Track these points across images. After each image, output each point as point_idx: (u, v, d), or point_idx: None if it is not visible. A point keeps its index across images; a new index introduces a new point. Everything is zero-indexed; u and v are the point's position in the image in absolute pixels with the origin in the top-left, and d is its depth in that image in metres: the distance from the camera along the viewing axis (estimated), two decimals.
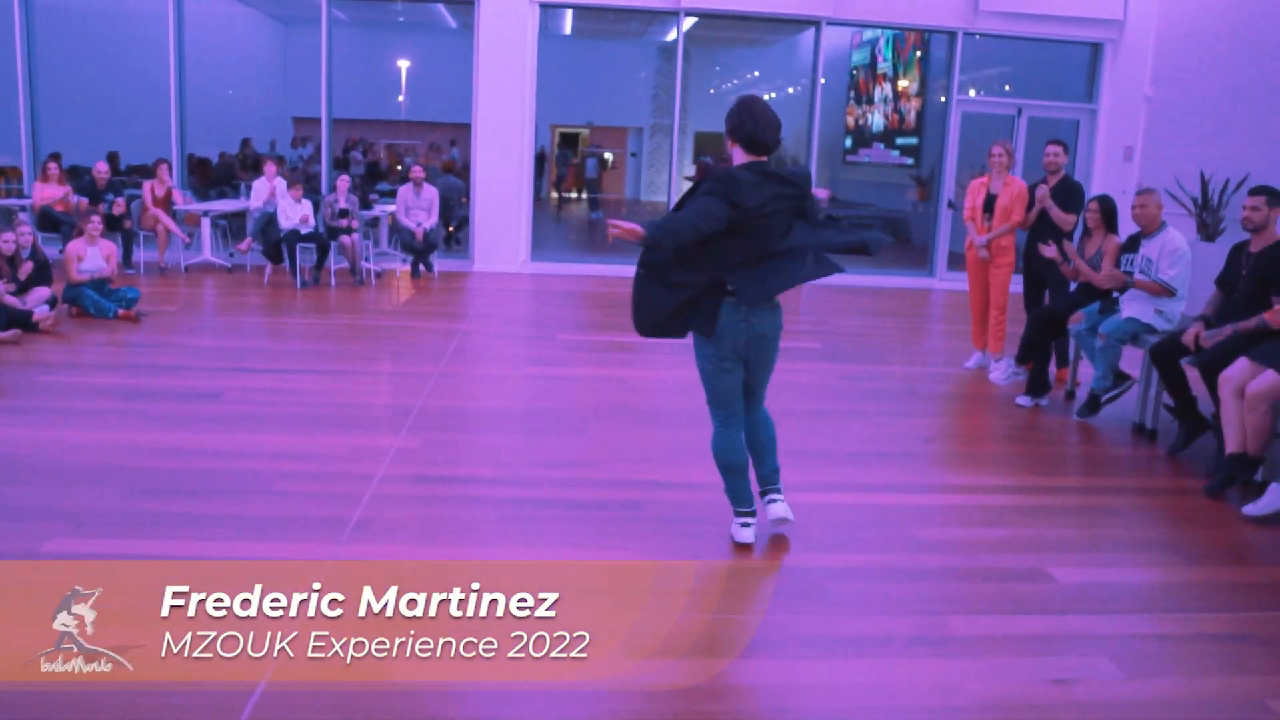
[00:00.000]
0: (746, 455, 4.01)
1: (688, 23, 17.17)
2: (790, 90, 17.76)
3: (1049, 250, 6.89)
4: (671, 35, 18.39)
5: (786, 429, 5.54)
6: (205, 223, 11.03)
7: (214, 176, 14.77)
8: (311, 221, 10.32)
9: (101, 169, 10.64)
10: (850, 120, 18.30)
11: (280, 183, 11.22)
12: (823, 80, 13.48)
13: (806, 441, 5.48)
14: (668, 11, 12.84)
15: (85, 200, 10.53)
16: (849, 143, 18.10)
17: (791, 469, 4.55)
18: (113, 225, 10.51)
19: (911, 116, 16.60)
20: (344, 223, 10.47)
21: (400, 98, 19.56)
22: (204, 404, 5.67)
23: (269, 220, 10.64)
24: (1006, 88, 14.13)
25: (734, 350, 3.77)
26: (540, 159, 18.88)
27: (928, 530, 4.32)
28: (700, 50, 20.64)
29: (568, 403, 6.09)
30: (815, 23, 13.12)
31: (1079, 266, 6.69)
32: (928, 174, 16.53)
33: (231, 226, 12.28)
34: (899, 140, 17.01)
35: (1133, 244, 6.33)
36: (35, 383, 6.05)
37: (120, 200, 10.66)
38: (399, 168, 17.83)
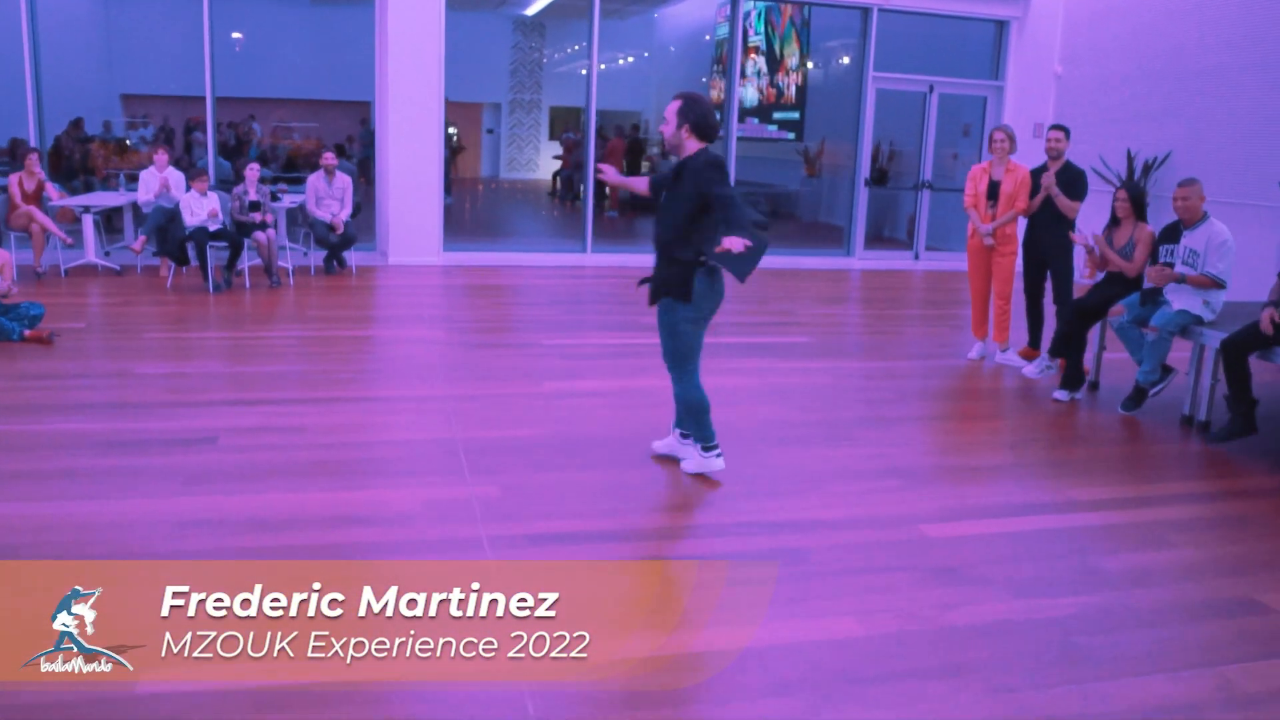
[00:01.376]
0: None
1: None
2: (647, 58, 17.32)
3: (1082, 238, 6.68)
4: (531, 9, 17.60)
5: (865, 444, 5.11)
6: (88, 220, 9.67)
7: (65, 165, 13.13)
8: (220, 216, 9.16)
9: None
10: (715, 94, 17.93)
11: (174, 174, 9.96)
12: (672, 48, 13.06)
13: (899, 457, 5.05)
14: None
15: None
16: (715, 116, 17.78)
17: (920, 495, 4.43)
18: None
19: (791, 90, 16.32)
20: (256, 217, 9.35)
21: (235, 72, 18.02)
22: (199, 453, 4.73)
23: (168, 216, 9.39)
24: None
25: (710, 311, 4.55)
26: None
27: (1109, 559, 3.95)
28: (556, 23, 19.94)
29: (618, 426, 5.44)
30: None
31: (1109, 257, 6.48)
32: (815, 149, 16.41)
33: (104, 221, 10.88)
34: (777, 115, 16.71)
35: (1171, 234, 6.14)
36: None
37: None
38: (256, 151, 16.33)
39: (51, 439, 4.83)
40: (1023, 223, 7.44)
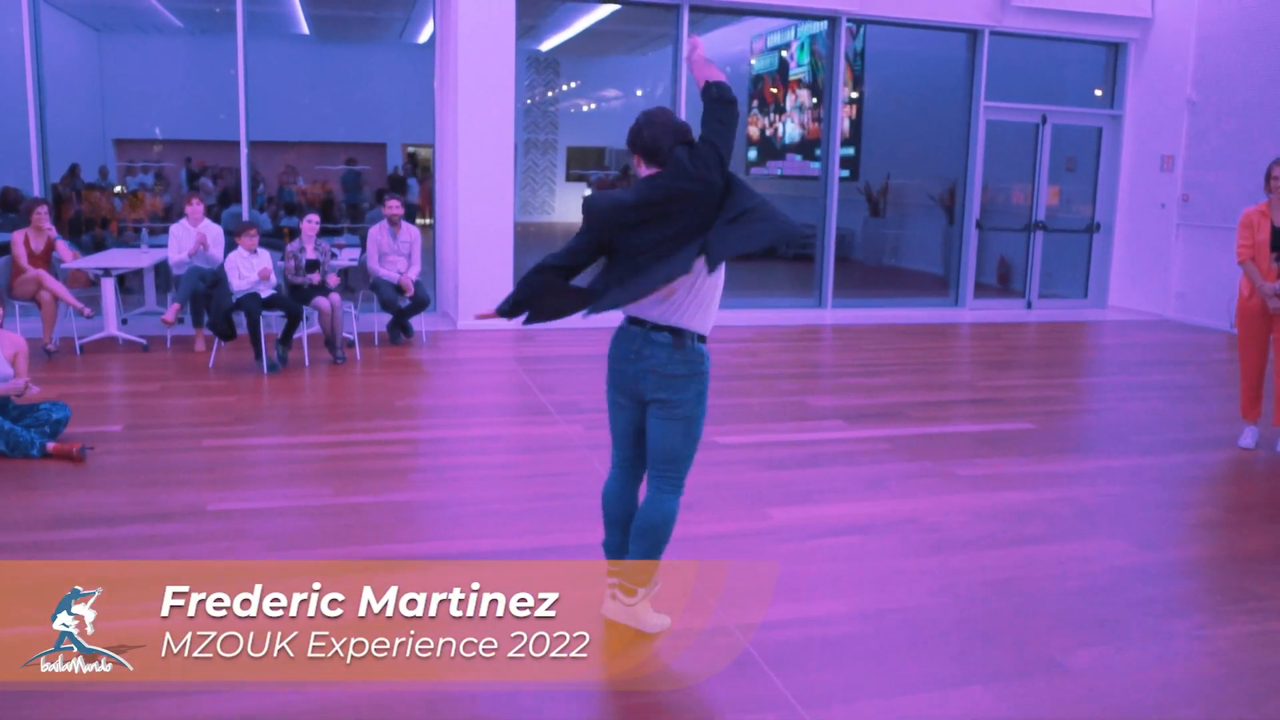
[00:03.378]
0: None
1: (562, 35, 15.02)
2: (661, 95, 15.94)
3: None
4: (546, 45, 16.23)
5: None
6: (107, 286, 7.95)
7: (72, 218, 11.47)
8: (274, 279, 7.48)
9: None
10: (754, 130, 16.44)
11: (212, 228, 8.27)
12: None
13: None
14: (668, 5, 10.57)
15: None
16: (753, 154, 16.33)
17: None
18: None
19: (845, 125, 14.78)
20: (314, 278, 7.68)
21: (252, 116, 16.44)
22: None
23: (207, 280, 7.71)
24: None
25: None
26: (396, 182, 16.13)
27: None
28: (571, 60, 18.57)
29: (940, 590, 3.77)
30: (834, 17, 11.18)
31: None
32: (879, 189, 14.96)
33: (118, 282, 9.19)
34: (817, 152, 15.17)
35: None
36: None
37: None
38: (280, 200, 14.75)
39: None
40: None
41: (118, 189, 13.11)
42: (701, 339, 3.17)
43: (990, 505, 4.76)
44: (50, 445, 5.09)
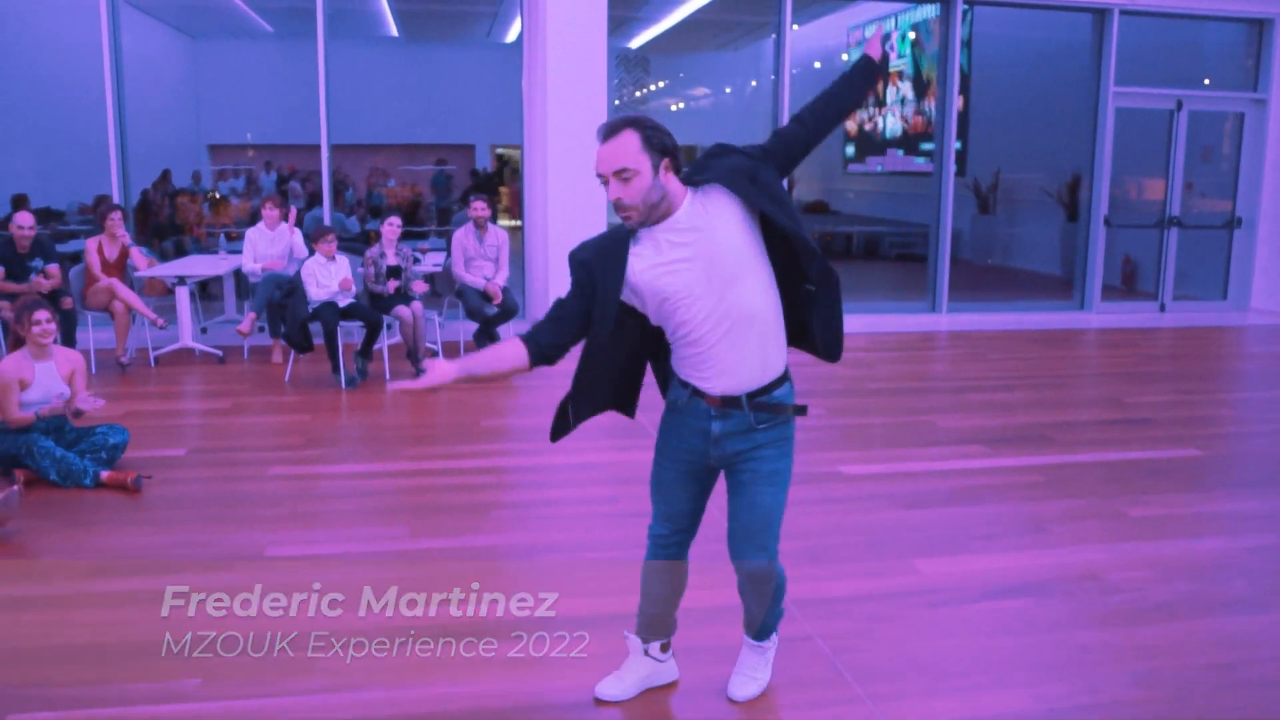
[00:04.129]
0: None
1: (652, 31, 14.39)
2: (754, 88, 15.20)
3: None
4: (635, 41, 15.63)
5: None
6: (183, 294, 7.57)
7: (155, 223, 11.26)
8: (354, 287, 7.00)
9: (24, 221, 7.10)
10: (851, 125, 15.55)
11: (289, 234, 7.85)
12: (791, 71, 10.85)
13: None
14: None
15: (0, 271, 7.01)
16: (851, 150, 15.47)
17: None
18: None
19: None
20: (394, 286, 7.18)
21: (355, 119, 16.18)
22: None
23: (283, 288, 7.27)
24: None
25: None
26: (487, 182, 15.74)
27: None
28: (661, 57, 17.93)
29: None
30: None
31: None
32: (988, 185, 14.02)
33: (197, 289, 8.86)
34: (925, 145, 14.21)
35: None
36: None
37: (53, 267, 7.17)
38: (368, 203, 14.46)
39: None
40: None
41: (211, 193, 12.93)
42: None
43: (1176, 557, 3.99)
44: (104, 474, 4.64)
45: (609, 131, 2.39)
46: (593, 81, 8.81)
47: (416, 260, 7.92)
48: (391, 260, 7.23)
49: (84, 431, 4.88)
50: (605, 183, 2.41)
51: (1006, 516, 4.41)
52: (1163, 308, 11.21)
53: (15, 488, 4.19)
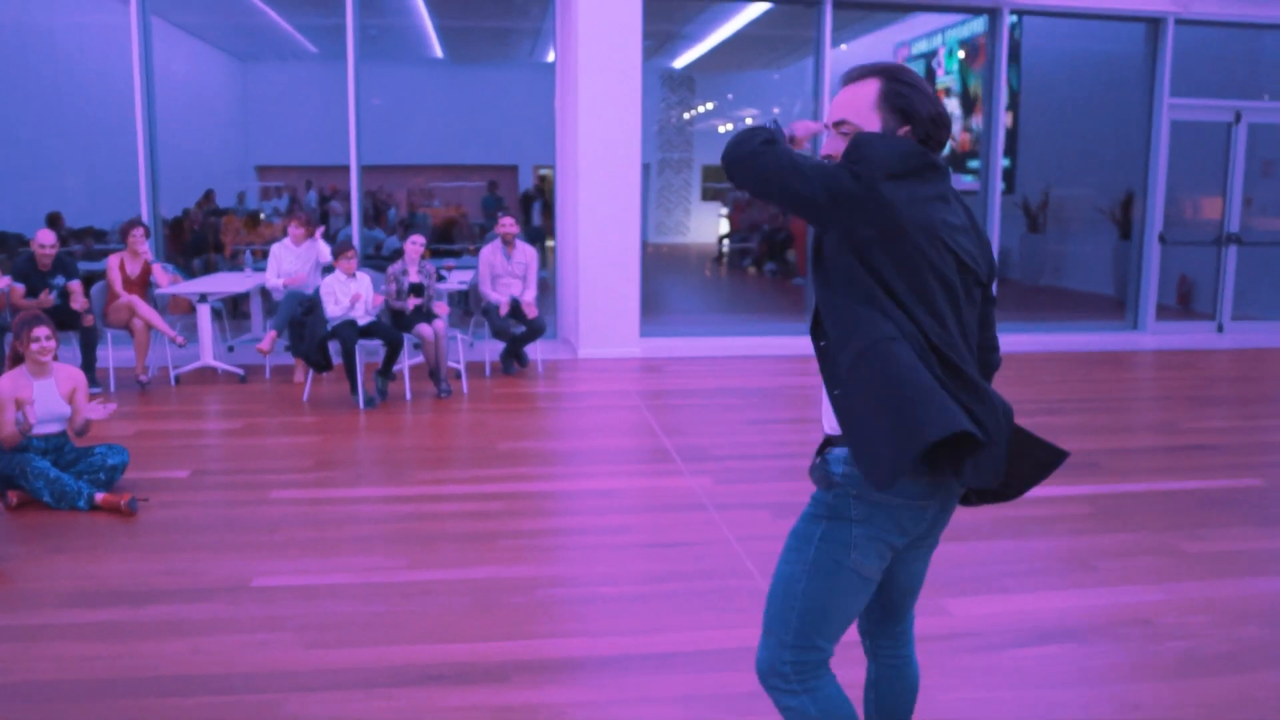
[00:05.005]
0: None
1: (697, 51, 14.19)
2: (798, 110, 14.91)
3: None
4: (679, 62, 15.45)
5: None
6: (204, 312, 7.45)
7: (192, 241, 11.25)
8: (367, 303, 6.82)
9: (45, 240, 7.02)
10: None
11: (316, 248, 7.72)
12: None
13: None
14: (810, 2, 9.60)
15: (21, 288, 6.93)
16: None
17: None
18: (66, 323, 6.91)
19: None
20: (415, 303, 7.00)
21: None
22: None
23: (305, 306, 7.11)
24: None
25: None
26: (529, 203, 15.71)
27: None
28: (706, 77, 17.76)
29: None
30: (995, 9, 10.01)
31: None
32: (1038, 202, 13.62)
33: (226, 307, 8.77)
34: (972, 164, 13.83)
35: None
36: None
37: (75, 284, 7.08)
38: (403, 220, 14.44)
39: None
40: None
41: (251, 213, 12.94)
42: None
43: (1238, 599, 3.63)
44: (99, 497, 4.46)
45: (851, 75, 1.95)
46: (626, 102, 8.60)
47: (441, 278, 7.74)
48: (414, 277, 7.05)
49: (83, 452, 4.72)
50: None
51: (1049, 552, 4.07)
52: (1221, 328, 10.72)
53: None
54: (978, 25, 10.64)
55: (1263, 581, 3.80)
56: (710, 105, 17.84)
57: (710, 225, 17.54)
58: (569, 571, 3.82)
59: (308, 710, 2.77)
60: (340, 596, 3.54)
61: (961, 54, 11.83)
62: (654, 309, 9.59)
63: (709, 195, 18.32)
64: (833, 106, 1.95)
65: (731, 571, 3.82)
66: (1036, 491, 4.85)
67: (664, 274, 15.99)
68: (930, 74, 12.46)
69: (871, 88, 1.89)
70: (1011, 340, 9.86)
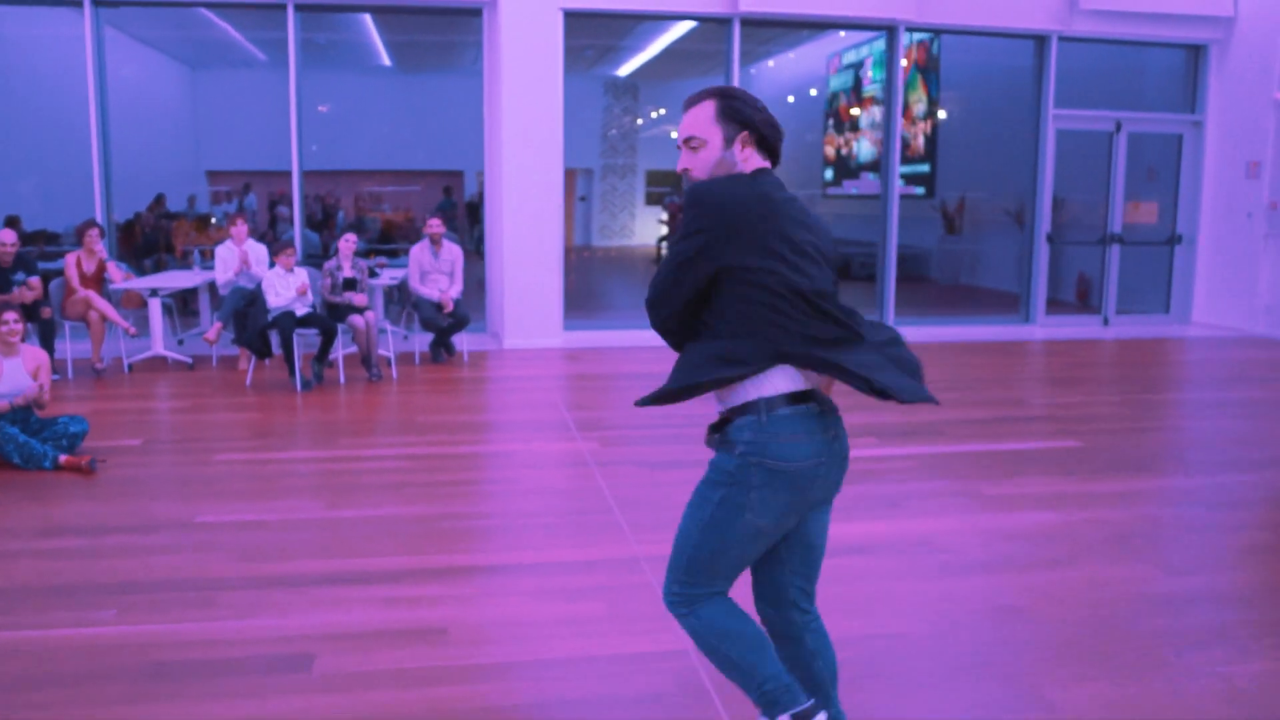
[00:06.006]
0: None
1: (639, 59, 14.87)
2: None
3: None
4: (624, 70, 16.15)
5: None
6: (155, 305, 8.10)
7: (144, 242, 11.82)
8: (310, 295, 7.52)
9: (7, 239, 7.65)
10: (830, 150, 16.11)
11: (256, 248, 8.40)
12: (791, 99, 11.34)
13: None
14: (722, 18, 10.42)
15: None
16: (830, 174, 16.03)
17: None
18: (28, 316, 7.54)
19: (919, 141, 14.39)
20: (351, 297, 7.70)
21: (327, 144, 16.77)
22: (281, 694, 2.93)
23: (248, 299, 7.79)
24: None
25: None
26: (476, 208, 16.33)
27: None
28: (650, 85, 18.50)
29: (924, 617, 3.49)
30: (892, 27, 10.89)
31: None
32: (954, 204, 14.50)
33: (178, 304, 9.40)
34: (901, 169, 14.77)
35: None
36: None
37: (35, 280, 7.70)
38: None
39: (62, 661, 3.06)
40: None
41: (212, 217, 13.48)
42: None
43: (1012, 527, 4.45)
44: (63, 458, 5.14)
45: (691, 100, 2.26)
46: (548, 110, 9.35)
47: (374, 274, 8.45)
48: (348, 273, 7.76)
49: (47, 421, 5.39)
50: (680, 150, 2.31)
51: (870, 494, 4.87)
52: (1106, 321, 11.69)
53: None
54: (905, 37, 11.47)
55: (1039, 514, 4.62)
56: (661, 112, 18.58)
57: (654, 228, 18.27)
58: (461, 509, 4.57)
59: (236, 600, 3.50)
60: (268, 529, 4.27)
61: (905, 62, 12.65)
62: (590, 305, 10.35)
63: (652, 199, 19.06)
64: (681, 127, 2.28)
65: (596, 509, 4.59)
66: (879, 451, 5.69)
67: (604, 274, 16.77)
68: (858, 82, 13.34)
69: (710, 107, 2.22)
70: (922, 333, 10.76)
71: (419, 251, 8.51)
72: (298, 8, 9.75)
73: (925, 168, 13.22)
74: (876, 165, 12.92)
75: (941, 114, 12.21)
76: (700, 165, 2.23)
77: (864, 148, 14.82)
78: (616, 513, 4.54)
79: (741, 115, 2.21)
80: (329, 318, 7.55)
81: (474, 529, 4.33)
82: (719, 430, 2.23)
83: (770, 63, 14.99)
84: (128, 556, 3.94)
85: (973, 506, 4.73)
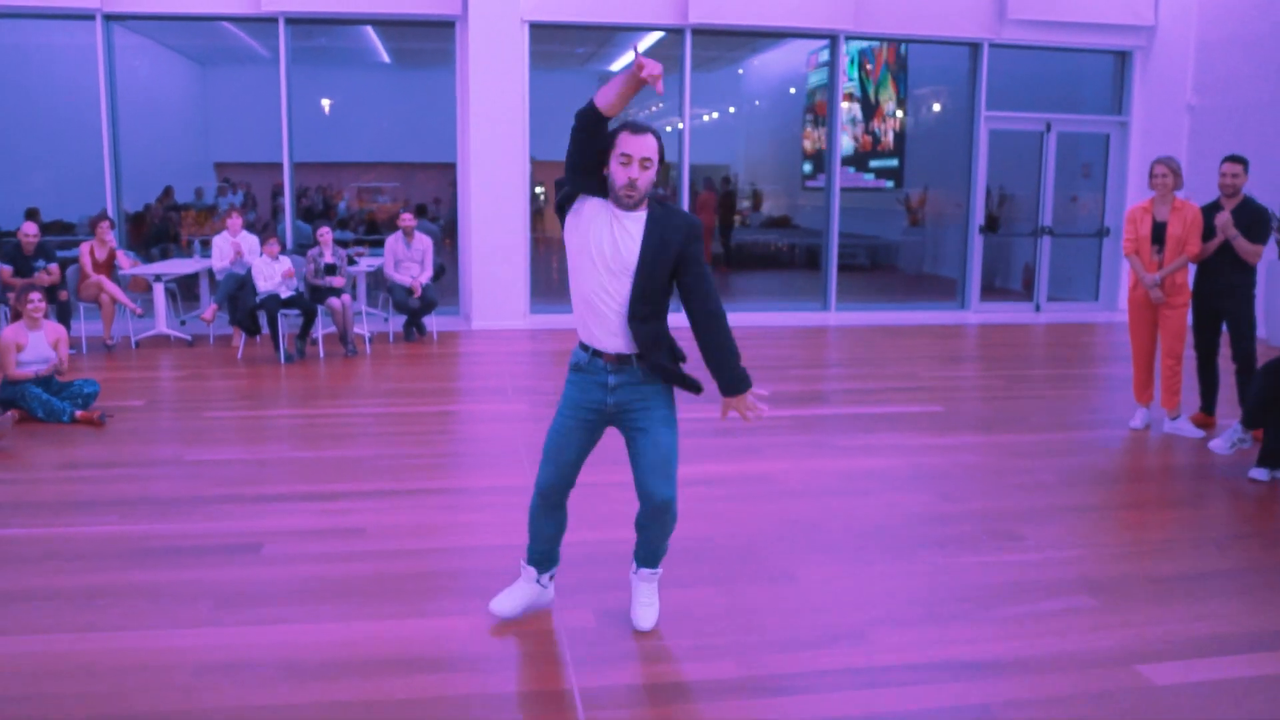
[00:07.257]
0: None
1: (629, 55, 15.76)
2: (733, 112, 16.54)
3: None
4: (616, 64, 17.08)
5: (1037, 546, 4.01)
6: (159, 289, 9.22)
7: (151, 233, 12.91)
8: (295, 281, 8.61)
9: (29, 230, 8.76)
10: (808, 144, 17.09)
11: (248, 238, 9.49)
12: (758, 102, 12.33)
13: (1083, 564, 4.06)
14: (674, 28, 11.43)
15: (9, 269, 8.66)
16: (808, 168, 16.99)
17: (1124, 619, 3.29)
18: (47, 298, 8.65)
19: (889, 136, 15.39)
20: (330, 281, 8.78)
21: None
22: (238, 564, 4.01)
23: (239, 284, 8.88)
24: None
25: None
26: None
27: None
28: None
29: (743, 525, 4.55)
30: (833, 36, 11.89)
31: None
32: (918, 197, 15.44)
33: (181, 288, 10.50)
34: (874, 163, 15.76)
35: None
36: None
37: (53, 267, 8.81)
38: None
39: (79, 547, 4.15)
40: (1193, 269, 6.45)
41: (218, 208, 14.53)
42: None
43: (843, 469, 5.48)
44: (78, 413, 6.24)
45: (642, 129, 2.98)
46: (512, 105, 10.39)
47: (353, 261, 9.53)
48: (329, 259, 8.84)
49: (65, 384, 6.50)
50: (627, 163, 2.96)
51: (729, 444, 5.91)
52: (1038, 307, 12.68)
53: (10, 413, 5.83)
54: (844, 48, 12.45)
55: (869, 460, 5.65)
56: (654, 109, 19.48)
57: None
58: (397, 450, 5.65)
59: (212, 510, 4.60)
60: (245, 465, 5.37)
61: (860, 60, 13.61)
62: (558, 291, 11.36)
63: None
64: (641, 149, 2.96)
65: (505, 453, 5.68)
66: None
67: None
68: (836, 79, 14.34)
69: (655, 141, 3.00)
70: (850, 317, 11.78)
71: (393, 242, 9.58)
72: (288, 21, 10.79)
73: (894, 162, 14.24)
74: (854, 159, 13.88)
75: (899, 113, 13.19)
76: (647, 181, 3.01)
77: (843, 142, 15.79)
78: (523, 454, 5.62)
79: (663, 154, 3.06)
80: (312, 299, 8.63)
81: (407, 465, 5.41)
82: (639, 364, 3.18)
83: (755, 60, 15.95)
84: (129, 483, 5.04)
85: (818, 454, 5.78)
